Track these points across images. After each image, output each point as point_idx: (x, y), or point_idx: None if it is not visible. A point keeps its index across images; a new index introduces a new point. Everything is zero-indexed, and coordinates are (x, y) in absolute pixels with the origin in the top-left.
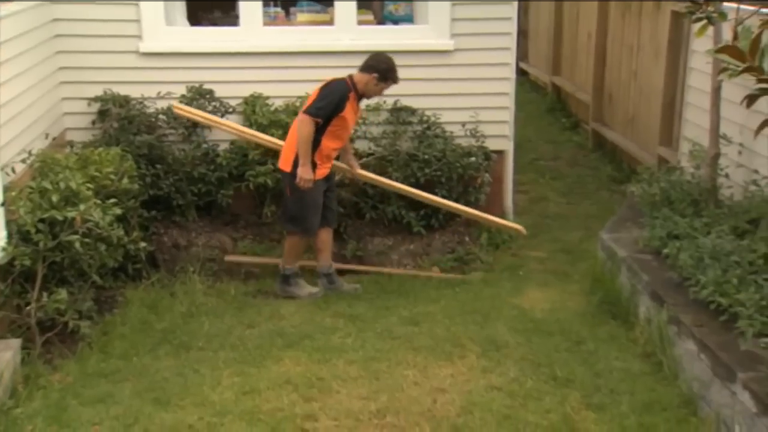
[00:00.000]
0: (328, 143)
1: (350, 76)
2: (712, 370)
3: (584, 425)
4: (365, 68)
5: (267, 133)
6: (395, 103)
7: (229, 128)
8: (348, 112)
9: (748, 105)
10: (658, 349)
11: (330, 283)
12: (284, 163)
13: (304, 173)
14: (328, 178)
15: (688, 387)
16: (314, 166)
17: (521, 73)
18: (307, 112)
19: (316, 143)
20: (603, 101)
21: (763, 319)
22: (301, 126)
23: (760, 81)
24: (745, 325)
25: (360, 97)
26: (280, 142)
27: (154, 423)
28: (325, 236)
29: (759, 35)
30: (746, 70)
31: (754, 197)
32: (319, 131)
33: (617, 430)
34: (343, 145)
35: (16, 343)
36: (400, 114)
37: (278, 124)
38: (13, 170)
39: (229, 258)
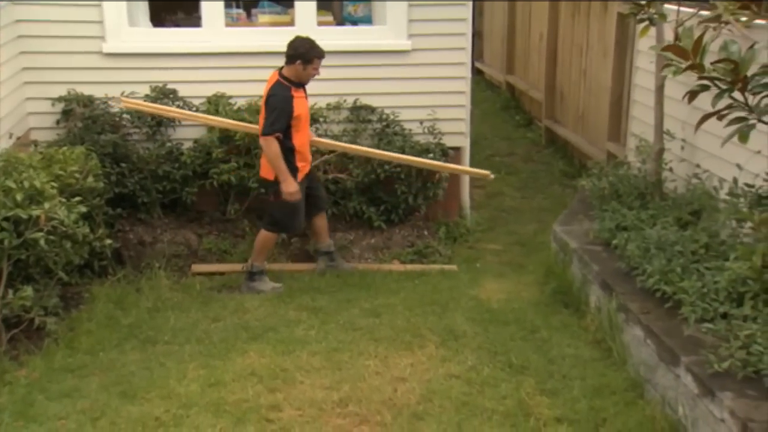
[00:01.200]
0: (300, 141)
1: (280, 72)
2: (658, 354)
3: (538, 410)
4: (288, 60)
5: (230, 133)
6: (355, 101)
7: (180, 115)
8: (298, 107)
9: (690, 100)
10: (607, 335)
11: (330, 260)
12: (265, 172)
13: (289, 187)
14: (307, 173)
15: (636, 371)
16: (296, 170)
17: (477, 72)
18: (264, 133)
19: (290, 149)
20: (555, 99)
21: (705, 305)
22: (267, 148)
23: (700, 78)
24: (688, 311)
25: (299, 84)
26: (230, 122)
27: (121, 416)
28: (320, 221)
29: (702, 35)
30: (689, 67)
31: (695, 190)
32: (286, 138)
33: (569, 413)
34: (308, 142)
35: None
36: (360, 112)
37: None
38: None
39: (195, 269)
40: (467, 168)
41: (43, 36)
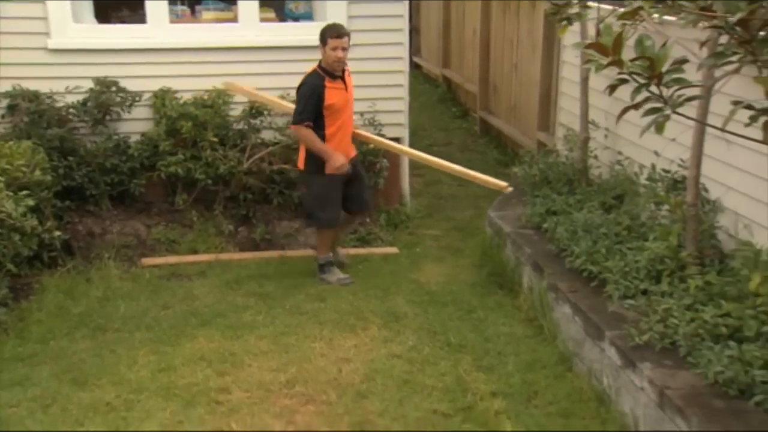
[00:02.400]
0: (333, 131)
1: (319, 63)
2: (585, 330)
3: (475, 385)
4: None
5: (176, 126)
6: None
7: (272, 103)
8: (331, 96)
9: (610, 93)
10: (539, 314)
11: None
12: (299, 162)
13: (335, 162)
14: (339, 177)
15: (565, 346)
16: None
17: (414, 66)
18: (293, 122)
19: (321, 139)
20: (488, 91)
21: (627, 283)
22: (298, 136)
23: (620, 72)
24: (612, 289)
25: (333, 74)
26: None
27: (72, 402)
28: (348, 220)
29: (621, 32)
30: (610, 63)
31: (618, 176)
32: (318, 127)
33: (504, 387)
34: (345, 135)
35: None
36: None
37: (187, 117)
38: None
39: (145, 262)
40: (488, 178)
41: None
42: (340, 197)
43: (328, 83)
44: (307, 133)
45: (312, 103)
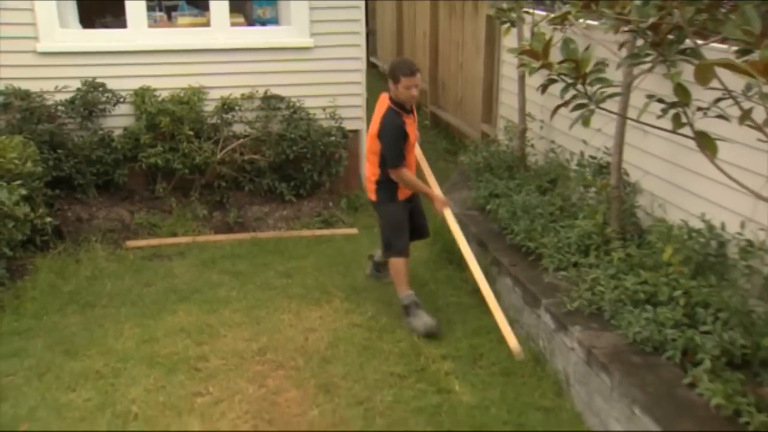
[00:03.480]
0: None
1: (388, 96)
2: (523, 299)
3: (427, 350)
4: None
5: (156, 121)
6: (266, 92)
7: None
8: (411, 132)
9: (542, 92)
10: None
11: (376, 270)
12: (370, 194)
13: (437, 200)
14: (410, 199)
15: (506, 314)
16: (395, 188)
17: (371, 65)
18: (393, 167)
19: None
20: (438, 88)
21: (560, 257)
22: (401, 179)
23: (550, 74)
24: (547, 262)
25: (406, 109)
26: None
27: (65, 371)
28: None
29: (549, 40)
30: (541, 67)
31: (552, 162)
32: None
33: (453, 351)
34: (412, 155)
35: None
36: (270, 101)
37: (166, 112)
38: None
39: (129, 244)
40: (507, 330)
41: None
42: (408, 225)
43: (406, 119)
44: (408, 175)
45: (401, 143)
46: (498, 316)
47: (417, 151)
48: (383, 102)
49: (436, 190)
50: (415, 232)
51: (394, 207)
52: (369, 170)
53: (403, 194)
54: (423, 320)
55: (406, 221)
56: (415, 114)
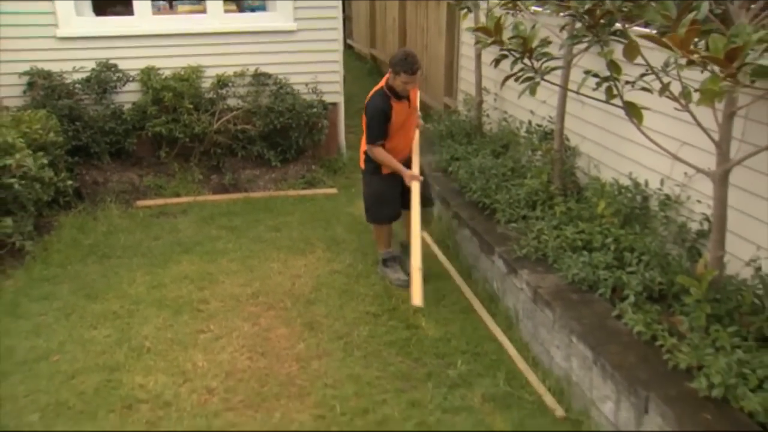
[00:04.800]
0: (390, 144)
1: (386, 78)
2: (480, 247)
3: (397, 293)
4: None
5: (160, 96)
6: (256, 70)
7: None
8: (397, 115)
9: (495, 66)
10: (446, 236)
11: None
12: (360, 162)
13: (408, 178)
14: (397, 176)
15: (465, 260)
16: (379, 167)
17: (348, 47)
18: (369, 143)
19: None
20: None
21: (511, 211)
22: (374, 155)
23: (501, 50)
24: (500, 216)
25: (399, 94)
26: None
27: (87, 311)
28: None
29: (500, 18)
30: (493, 42)
31: (504, 130)
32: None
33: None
34: (404, 139)
35: None
36: (259, 78)
37: (168, 88)
38: None
39: (139, 203)
40: (417, 279)
41: (9, 25)
42: (397, 195)
43: (394, 103)
44: (380, 153)
45: (382, 124)
46: (414, 268)
47: (415, 136)
48: (380, 83)
49: (414, 169)
50: (406, 205)
51: (377, 179)
52: (362, 141)
53: (387, 168)
54: (397, 275)
55: (389, 193)
56: (413, 100)
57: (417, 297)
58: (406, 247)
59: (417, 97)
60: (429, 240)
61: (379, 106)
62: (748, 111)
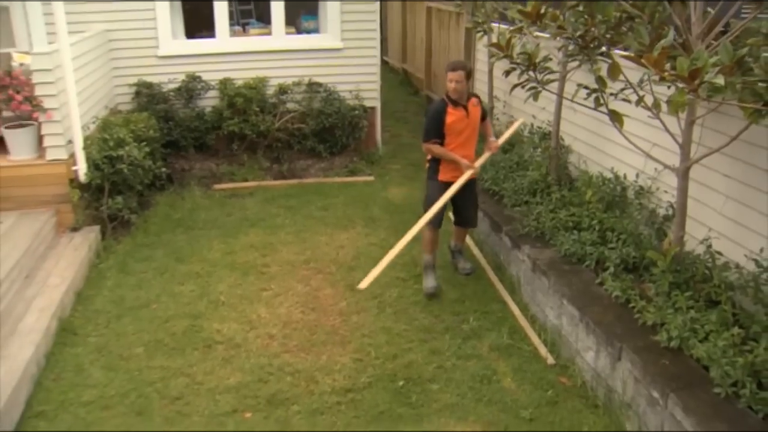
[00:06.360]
0: (449, 147)
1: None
2: (490, 226)
3: (421, 261)
4: None
5: (234, 101)
6: (309, 80)
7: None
8: (451, 119)
9: (506, 76)
10: None
11: (453, 257)
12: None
13: (464, 167)
14: (461, 186)
15: (478, 237)
16: (437, 169)
17: (384, 62)
18: (423, 141)
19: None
20: (431, 77)
21: (516, 197)
22: (429, 149)
23: (511, 63)
24: (507, 201)
25: (455, 101)
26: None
27: (177, 271)
28: (458, 232)
29: (510, 37)
30: (504, 56)
31: None
32: (441, 142)
33: (441, 263)
34: (467, 146)
35: (97, 228)
36: (312, 86)
37: (240, 95)
38: (89, 128)
39: (216, 187)
40: (380, 265)
41: (122, 48)
42: (444, 203)
43: (449, 109)
44: (435, 147)
45: (434, 124)
46: (384, 260)
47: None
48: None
49: (476, 164)
50: (457, 215)
51: (432, 184)
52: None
53: (444, 176)
54: (425, 283)
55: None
56: (474, 110)
57: (365, 281)
58: (456, 251)
59: (478, 114)
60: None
61: (434, 107)
62: (704, 120)
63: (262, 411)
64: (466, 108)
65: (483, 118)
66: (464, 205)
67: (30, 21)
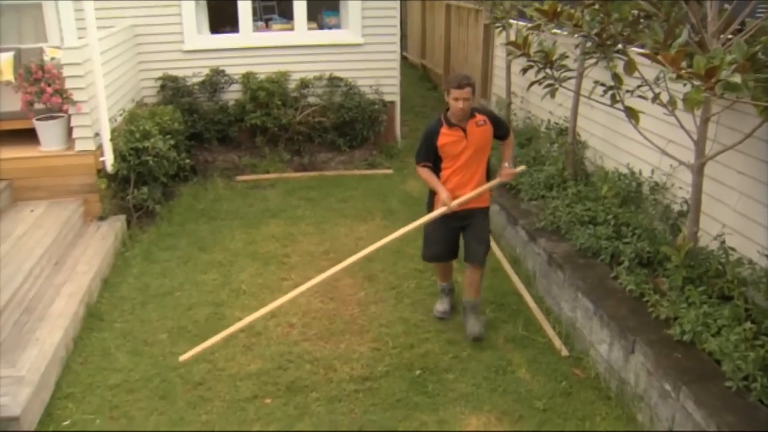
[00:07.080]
0: (446, 172)
1: (446, 108)
2: (507, 220)
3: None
4: None
5: (256, 95)
6: (330, 74)
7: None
8: (444, 140)
9: (523, 74)
10: None
11: (464, 315)
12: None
13: (442, 197)
14: (463, 217)
15: (495, 230)
16: (434, 200)
17: (403, 58)
18: (415, 162)
19: (438, 175)
20: (449, 73)
21: (533, 191)
22: (419, 174)
23: (528, 61)
24: (523, 195)
25: (450, 122)
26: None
27: (200, 260)
28: (467, 272)
29: (527, 36)
30: (521, 54)
31: (528, 126)
32: (436, 167)
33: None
34: (466, 171)
35: (123, 217)
36: (333, 81)
37: (263, 89)
38: (116, 120)
39: (238, 178)
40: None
41: (148, 42)
42: (443, 238)
43: (443, 130)
44: (423, 171)
45: (426, 146)
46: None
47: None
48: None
49: (455, 201)
50: (464, 251)
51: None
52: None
53: (438, 205)
54: (436, 306)
55: (432, 234)
56: (474, 131)
57: (188, 354)
58: (468, 307)
59: (483, 134)
60: None
61: (427, 128)
62: (719, 117)
63: (281, 397)
64: (464, 129)
65: (499, 136)
66: (467, 237)
67: (61, 17)
